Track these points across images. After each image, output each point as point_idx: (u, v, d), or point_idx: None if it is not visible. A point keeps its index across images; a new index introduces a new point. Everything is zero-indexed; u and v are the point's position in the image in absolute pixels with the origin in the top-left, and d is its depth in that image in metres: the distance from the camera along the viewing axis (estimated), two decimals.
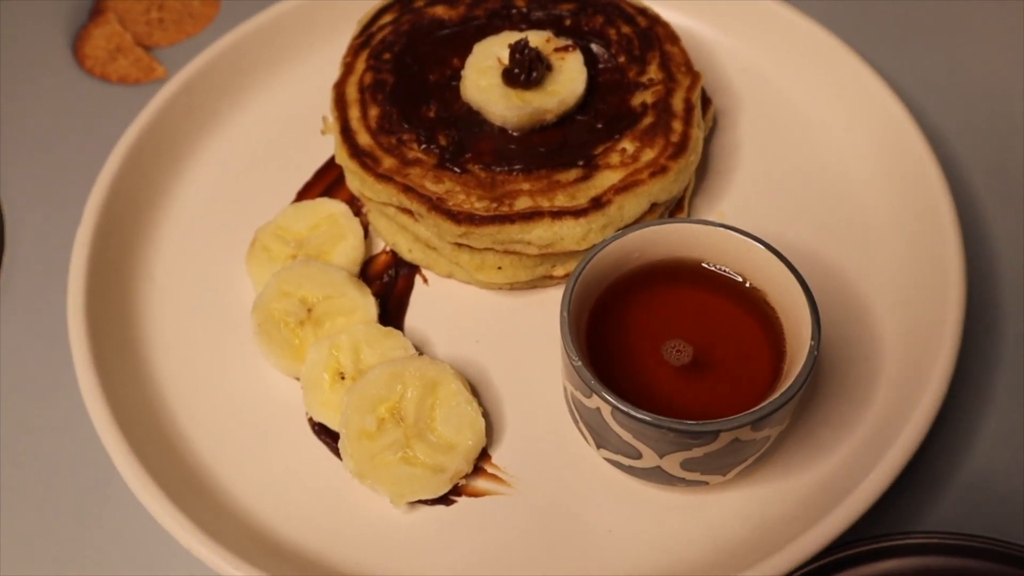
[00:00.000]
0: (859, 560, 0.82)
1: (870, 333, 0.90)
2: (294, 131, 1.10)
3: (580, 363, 0.76)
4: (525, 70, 0.95)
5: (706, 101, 1.04)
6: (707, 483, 0.81)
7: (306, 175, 1.07)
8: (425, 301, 0.97)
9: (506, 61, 0.98)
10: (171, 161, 1.05)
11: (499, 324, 0.95)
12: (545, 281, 0.96)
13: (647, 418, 0.73)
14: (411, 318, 0.96)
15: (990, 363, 0.92)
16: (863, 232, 0.98)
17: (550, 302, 0.96)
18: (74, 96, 1.19)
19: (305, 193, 1.05)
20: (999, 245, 0.99)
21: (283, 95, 1.13)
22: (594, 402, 0.77)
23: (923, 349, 0.86)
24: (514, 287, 0.96)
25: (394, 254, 1.00)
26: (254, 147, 1.09)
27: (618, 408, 0.74)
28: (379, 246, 1.01)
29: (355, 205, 1.02)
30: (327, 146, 1.08)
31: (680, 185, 0.95)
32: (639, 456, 0.78)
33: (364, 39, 1.05)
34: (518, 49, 0.96)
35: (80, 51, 1.23)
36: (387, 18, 1.07)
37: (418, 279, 0.99)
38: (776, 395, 0.74)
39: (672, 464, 0.78)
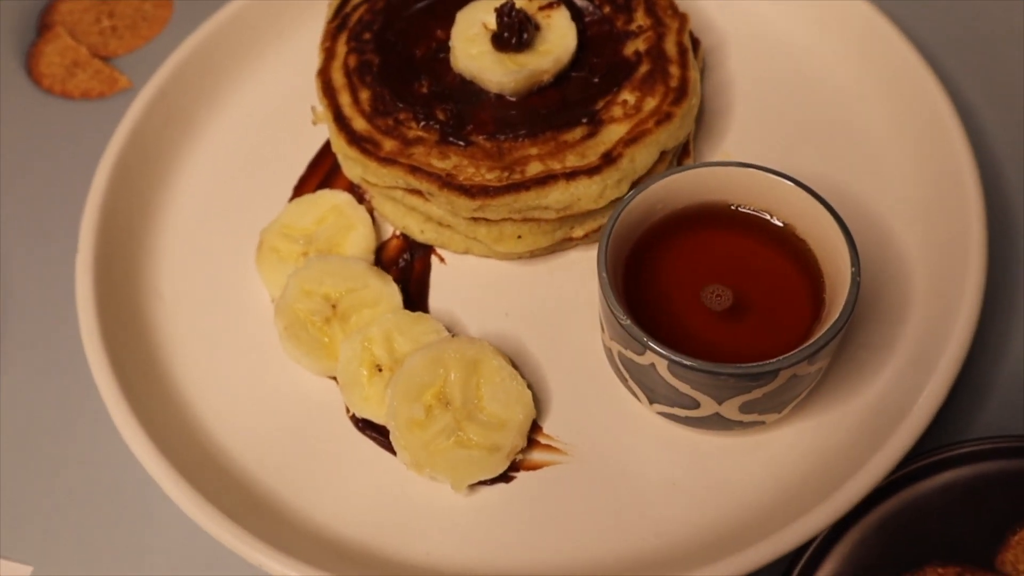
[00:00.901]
0: (916, 476, 0.83)
1: (894, 252, 0.91)
2: (278, 125, 1.07)
3: (628, 321, 0.75)
4: (515, 33, 0.93)
5: (694, 42, 1.02)
6: (764, 423, 0.81)
7: (299, 168, 1.04)
8: (446, 281, 0.95)
9: (492, 26, 0.96)
10: (158, 173, 1.02)
11: (525, 293, 0.93)
12: (564, 244, 0.95)
13: (707, 367, 0.73)
14: (435, 300, 0.94)
15: (1012, 264, 0.92)
16: (868, 152, 0.98)
17: (573, 264, 0.95)
18: (38, 118, 1.14)
19: (302, 187, 1.03)
20: (1003, 148, 0.99)
21: (260, 89, 1.10)
22: (647, 358, 0.76)
23: (950, 260, 0.86)
24: (534, 254, 0.94)
25: (405, 237, 0.98)
26: (240, 146, 1.06)
27: (675, 361, 0.74)
28: (388, 231, 0.99)
29: (356, 193, 0.99)
30: (316, 136, 1.05)
31: (686, 130, 0.94)
32: (697, 406, 0.78)
33: (339, 22, 1.02)
34: (505, 12, 0.94)
35: (35, 71, 1.18)
36: None
37: (434, 260, 0.97)
38: (828, 325, 0.74)
39: (731, 409, 0.78)
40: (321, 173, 1.03)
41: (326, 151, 1.04)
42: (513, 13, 0.93)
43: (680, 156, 0.98)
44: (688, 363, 0.73)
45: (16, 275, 1.00)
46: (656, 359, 0.75)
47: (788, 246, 0.83)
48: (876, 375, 0.84)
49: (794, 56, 1.06)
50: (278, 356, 0.90)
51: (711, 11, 1.10)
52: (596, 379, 0.87)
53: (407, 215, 0.96)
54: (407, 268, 0.96)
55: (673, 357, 0.73)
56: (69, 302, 0.92)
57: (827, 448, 0.81)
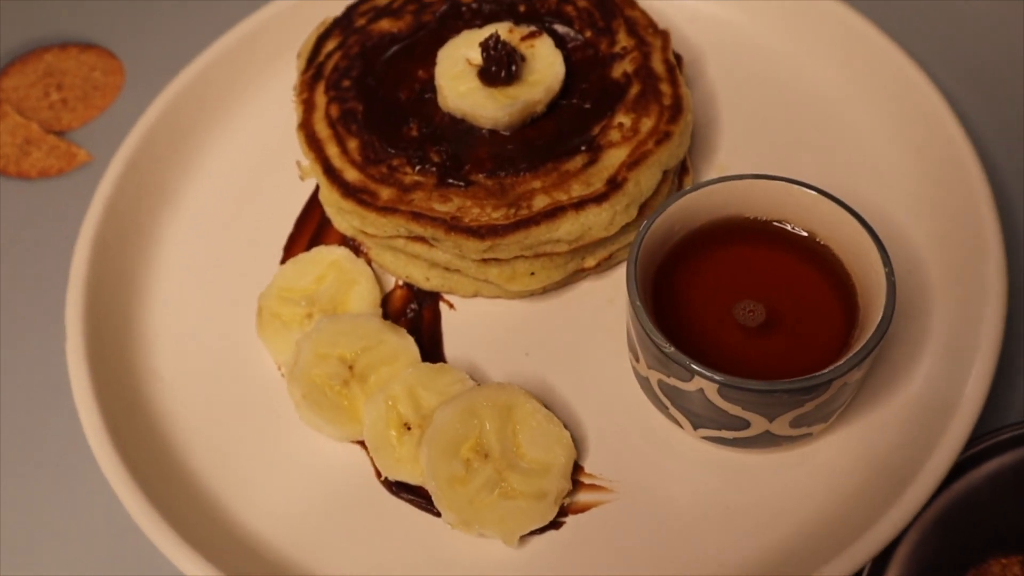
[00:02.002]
0: (964, 468, 0.81)
1: (903, 247, 0.90)
2: (257, 183, 1.03)
3: (672, 348, 0.73)
4: (504, 66, 0.91)
5: (677, 58, 1.01)
6: (812, 434, 0.80)
7: (286, 226, 1.00)
8: (458, 327, 0.92)
9: (476, 61, 0.93)
10: (139, 248, 0.97)
11: (543, 330, 0.91)
12: (576, 276, 0.92)
13: (762, 386, 0.71)
14: (450, 348, 0.90)
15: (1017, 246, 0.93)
16: (862, 150, 0.99)
17: (586, 295, 0.93)
18: None
19: (292, 246, 0.98)
20: (989, 131, 1.00)
21: (234, 148, 1.05)
22: (695, 384, 0.74)
23: (963, 248, 0.87)
24: (547, 289, 0.92)
25: (409, 287, 0.94)
26: (221, 210, 1.01)
27: (727, 384, 0.72)
28: (390, 282, 0.95)
29: (351, 246, 0.96)
30: (298, 192, 1.01)
31: (684, 147, 0.93)
32: (747, 426, 0.76)
33: (314, 71, 0.98)
34: (490, 46, 0.91)
35: None
36: (331, 44, 1.00)
37: (443, 307, 0.93)
38: (870, 328, 0.73)
39: (781, 425, 0.76)
40: (310, 229, 0.99)
41: (312, 206, 1.00)
42: (499, 46, 0.91)
43: (680, 173, 0.97)
44: (742, 385, 0.71)
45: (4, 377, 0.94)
46: (705, 384, 0.73)
47: (811, 254, 0.82)
48: (912, 371, 0.83)
49: (772, 62, 1.06)
50: (295, 426, 0.86)
51: (683, 25, 1.09)
52: (631, 409, 0.84)
53: (410, 263, 0.93)
54: (416, 319, 0.93)
55: (725, 380, 0.71)
56: (62, 396, 0.87)
57: (877, 451, 0.80)
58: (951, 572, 0.77)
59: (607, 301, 0.92)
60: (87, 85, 1.17)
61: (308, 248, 0.97)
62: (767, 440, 0.78)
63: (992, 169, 0.95)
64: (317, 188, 1.00)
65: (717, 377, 0.71)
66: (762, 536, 0.77)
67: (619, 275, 0.94)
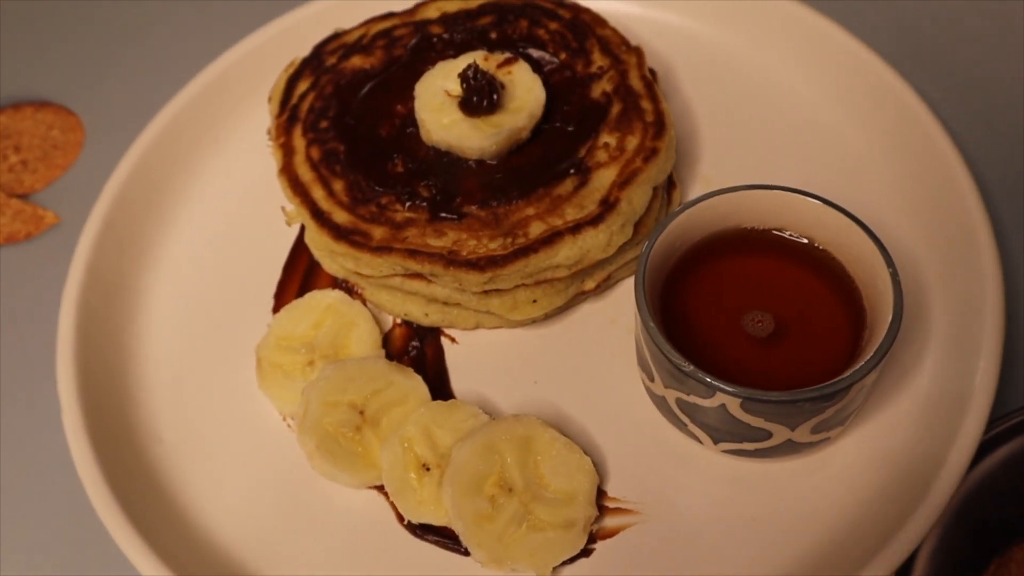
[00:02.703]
0: (976, 458, 0.83)
1: (895, 246, 0.90)
2: (238, 232, 1.01)
3: (691, 367, 0.73)
4: (485, 95, 0.90)
5: (651, 73, 1.02)
6: (830, 438, 0.80)
7: (274, 273, 0.98)
8: (462, 361, 0.91)
9: (456, 92, 0.93)
10: (125, 309, 0.94)
11: (548, 357, 0.90)
12: (577, 299, 0.92)
13: (786, 396, 0.71)
14: (457, 383, 0.89)
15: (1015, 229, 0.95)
16: (840, 151, 1.00)
17: (586, 318, 0.93)
18: None
19: (283, 293, 0.96)
20: (960, 125, 1.03)
21: (210, 198, 1.03)
22: (717, 400, 0.74)
23: (957, 242, 0.88)
24: (548, 316, 0.91)
25: (408, 324, 0.93)
26: (204, 263, 0.99)
27: (751, 398, 0.72)
28: (387, 321, 0.94)
29: (343, 287, 0.94)
30: (282, 237, 0.99)
31: (671, 162, 0.93)
32: (768, 436, 0.76)
33: (289, 114, 0.97)
34: (470, 76, 0.91)
35: None
36: (303, 86, 0.99)
37: (444, 342, 0.92)
38: (883, 329, 0.74)
39: (802, 433, 0.76)
40: (299, 274, 0.97)
41: (298, 250, 0.99)
42: (479, 76, 0.90)
43: (668, 188, 0.97)
44: (766, 397, 0.71)
45: None
46: (727, 399, 0.73)
47: (812, 260, 0.82)
48: (919, 368, 0.84)
49: (743, 70, 1.07)
50: (308, 477, 0.84)
51: (651, 40, 1.10)
52: (647, 429, 0.84)
53: (407, 301, 0.91)
54: (419, 356, 0.91)
55: (749, 394, 0.72)
56: (61, 466, 0.84)
57: (894, 450, 0.80)
58: (975, 563, 0.78)
59: (609, 322, 0.92)
60: (46, 144, 1.14)
61: (299, 293, 0.95)
62: (788, 448, 0.78)
63: (971, 160, 0.96)
64: (302, 232, 0.99)
65: (740, 392, 0.72)
66: (792, 544, 0.77)
67: (618, 295, 0.93)
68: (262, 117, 1.06)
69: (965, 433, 0.76)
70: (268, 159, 1.02)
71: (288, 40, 1.08)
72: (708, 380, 0.72)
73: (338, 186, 0.91)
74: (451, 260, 0.85)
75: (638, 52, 0.98)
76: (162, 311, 0.95)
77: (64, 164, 1.12)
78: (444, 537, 0.80)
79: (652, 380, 0.81)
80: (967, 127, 1.01)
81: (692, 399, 0.76)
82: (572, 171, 0.90)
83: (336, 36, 1.03)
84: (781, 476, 0.81)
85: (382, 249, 0.86)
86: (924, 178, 0.94)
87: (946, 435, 0.77)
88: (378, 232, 0.87)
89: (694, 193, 0.99)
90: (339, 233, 0.88)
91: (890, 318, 0.74)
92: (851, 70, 1.02)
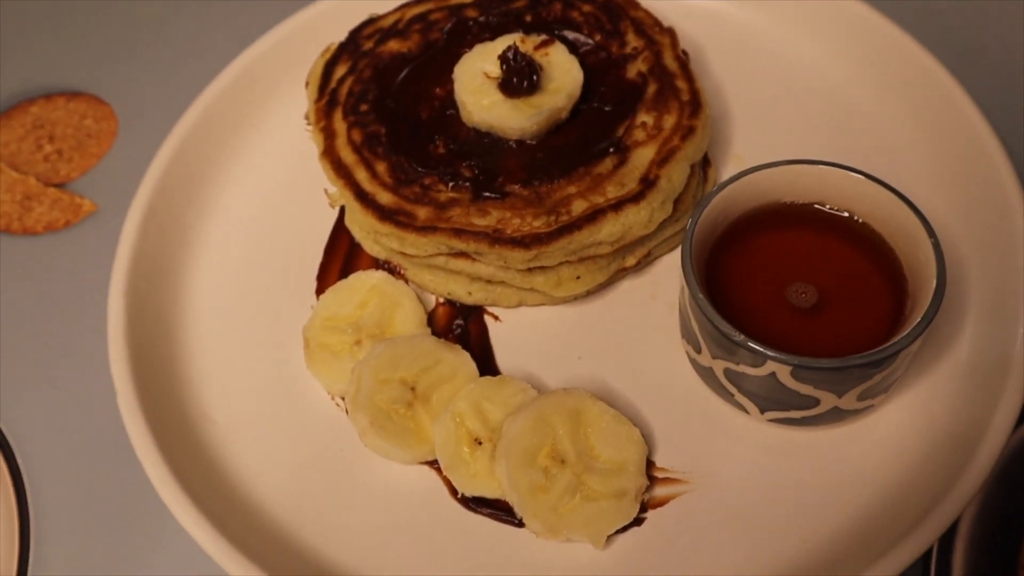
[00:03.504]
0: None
1: (931, 214, 0.92)
2: (278, 216, 1.02)
3: (742, 337, 0.75)
4: (525, 76, 0.92)
5: (683, 53, 1.03)
6: (874, 405, 0.82)
7: (315, 256, 0.99)
8: (507, 338, 0.92)
9: (494, 74, 0.94)
10: (171, 293, 0.95)
11: (591, 333, 0.91)
12: (617, 276, 0.93)
13: (836, 364, 0.73)
14: (502, 360, 0.91)
15: None
16: (870, 128, 1.01)
17: (627, 294, 0.94)
18: (5, 264, 1.04)
19: (325, 275, 0.97)
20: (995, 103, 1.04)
21: (249, 183, 1.04)
22: (767, 368, 0.76)
23: (991, 213, 0.90)
24: (590, 292, 0.92)
25: (451, 303, 0.94)
26: (246, 246, 1.00)
27: (802, 366, 0.74)
28: (430, 301, 0.95)
29: (385, 268, 0.95)
30: (321, 220, 1.01)
31: (707, 140, 0.95)
32: (816, 404, 0.78)
33: (328, 98, 0.98)
34: (510, 58, 0.92)
35: None
36: (341, 70, 1.00)
37: (488, 319, 0.94)
38: (927, 297, 0.76)
39: (849, 400, 0.78)
40: (340, 256, 0.99)
41: (338, 232, 1.00)
42: (518, 57, 0.92)
43: (704, 166, 0.99)
44: (817, 364, 0.73)
45: (52, 440, 0.91)
46: (777, 367, 0.75)
47: (853, 233, 0.84)
48: (958, 336, 0.86)
49: (771, 50, 1.09)
50: (361, 454, 0.85)
51: (679, 22, 1.11)
52: (692, 400, 0.86)
53: (450, 280, 0.93)
54: (464, 334, 0.93)
55: (800, 362, 0.73)
56: (116, 451, 0.85)
57: (936, 417, 0.82)
58: (1019, 525, 0.80)
59: (650, 297, 0.93)
60: (80, 134, 1.14)
61: (341, 275, 0.96)
62: (834, 416, 0.80)
63: (1000, 130, 0.98)
64: (342, 214, 1.00)
65: (792, 359, 0.73)
66: (840, 510, 0.79)
67: (657, 271, 0.95)
68: (297, 103, 1.07)
69: (1007, 397, 0.78)
70: (305, 144, 1.03)
71: (321, 27, 1.09)
72: (759, 348, 0.74)
73: (381, 168, 0.92)
74: (496, 238, 0.86)
75: (671, 33, 1.00)
76: (206, 296, 0.96)
77: (99, 153, 1.13)
78: (498, 509, 0.82)
79: (699, 352, 0.82)
80: (994, 96, 1.02)
81: (741, 368, 0.78)
82: (611, 150, 0.91)
83: (371, 21, 1.04)
84: (826, 443, 0.83)
85: (427, 229, 0.88)
86: (955, 149, 0.95)
87: (988, 400, 0.79)
88: (422, 212, 0.89)
89: (727, 172, 1.01)
90: (383, 214, 0.89)
91: (934, 285, 0.76)
92: (878, 46, 1.03)
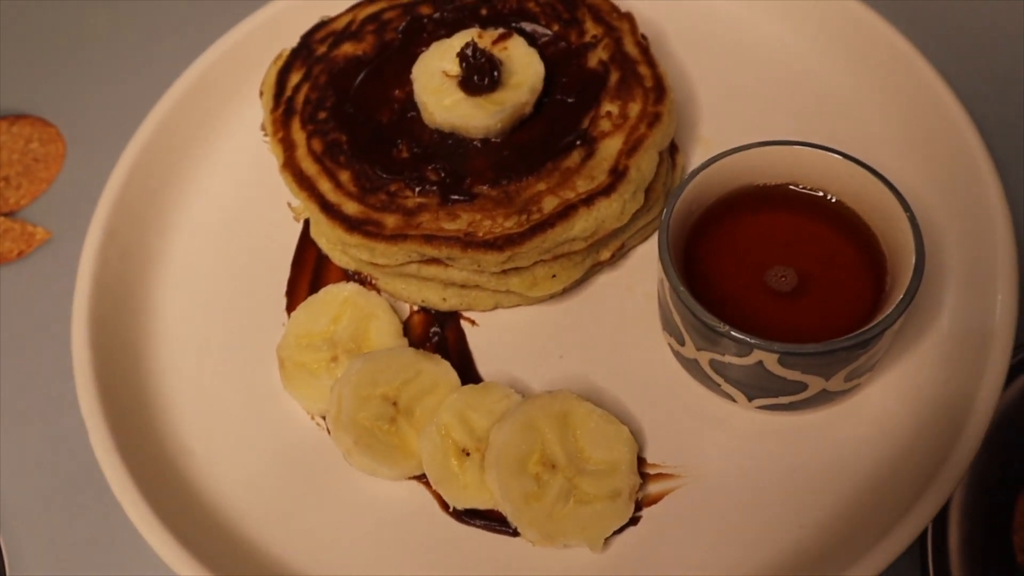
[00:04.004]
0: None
1: (902, 187, 0.92)
2: (240, 232, 0.99)
3: (727, 328, 0.74)
4: (486, 73, 0.90)
5: (643, 38, 1.02)
6: (860, 384, 0.82)
7: (282, 271, 0.96)
8: (485, 343, 0.90)
9: (454, 72, 0.92)
10: (137, 320, 0.92)
11: (570, 330, 0.90)
12: (593, 271, 0.92)
13: (822, 348, 0.72)
14: (483, 365, 0.89)
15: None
16: (836, 104, 1.00)
17: (603, 288, 0.93)
18: None
19: (295, 290, 0.95)
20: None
21: (209, 199, 1.01)
22: (754, 357, 0.75)
23: (962, 183, 0.89)
24: (566, 289, 0.91)
25: (426, 310, 0.92)
26: (210, 266, 0.97)
27: (788, 352, 0.73)
28: (404, 309, 0.93)
29: (355, 279, 0.93)
30: (286, 233, 0.98)
31: (674, 125, 0.93)
32: (804, 388, 0.77)
33: (284, 107, 0.95)
34: (469, 55, 0.90)
35: None
36: (295, 77, 0.97)
37: (464, 324, 0.92)
38: (907, 273, 0.75)
39: (837, 382, 0.78)
40: (308, 270, 0.96)
41: (304, 245, 0.97)
42: (478, 54, 0.89)
43: (672, 152, 0.97)
44: (803, 350, 0.72)
45: (22, 483, 0.88)
46: (764, 356, 0.74)
47: (826, 212, 0.83)
48: (939, 308, 0.85)
49: (732, 29, 1.07)
50: (346, 473, 0.83)
51: (636, 5, 1.09)
52: (678, 392, 0.85)
53: (424, 287, 0.91)
54: (441, 342, 0.91)
55: (787, 349, 0.72)
56: (95, 492, 0.82)
57: (922, 390, 0.82)
58: (1007, 488, 0.81)
59: (626, 289, 0.92)
60: (27, 158, 1.10)
61: (311, 289, 0.94)
62: (822, 398, 0.80)
63: (963, 96, 0.97)
64: (307, 227, 0.97)
65: (778, 347, 0.72)
66: (835, 491, 0.78)
67: (632, 262, 0.94)
68: (253, 112, 1.03)
69: (992, 366, 0.78)
70: (264, 155, 1.00)
71: (271, 32, 1.06)
72: (745, 338, 0.73)
73: (344, 177, 0.90)
74: (468, 242, 0.84)
75: (629, 18, 0.98)
76: (174, 321, 0.93)
77: (48, 177, 1.09)
78: (491, 520, 0.80)
79: (682, 344, 0.81)
80: (956, 64, 1.02)
81: (727, 359, 0.77)
82: (578, 143, 0.89)
83: (323, 24, 1.01)
84: (816, 426, 0.82)
85: (397, 237, 0.86)
86: (920, 119, 0.95)
87: (973, 369, 0.79)
88: (391, 220, 0.87)
89: (695, 156, 1.00)
90: (351, 224, 0.87)
91: (913, 260, 0.75)
92: (835, 17, 1.02)
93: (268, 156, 0.98)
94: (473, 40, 0.90)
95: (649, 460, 0.82)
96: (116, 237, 0.94)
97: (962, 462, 0.74)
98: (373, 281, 0.93)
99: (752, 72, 1.04)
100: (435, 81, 0.91)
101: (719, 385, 0.81)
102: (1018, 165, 0.96)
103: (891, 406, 0.82)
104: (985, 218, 0.86)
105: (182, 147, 1.02)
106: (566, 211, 0.85)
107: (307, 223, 0.97)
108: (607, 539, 0.78)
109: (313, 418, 0.87)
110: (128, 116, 1.03)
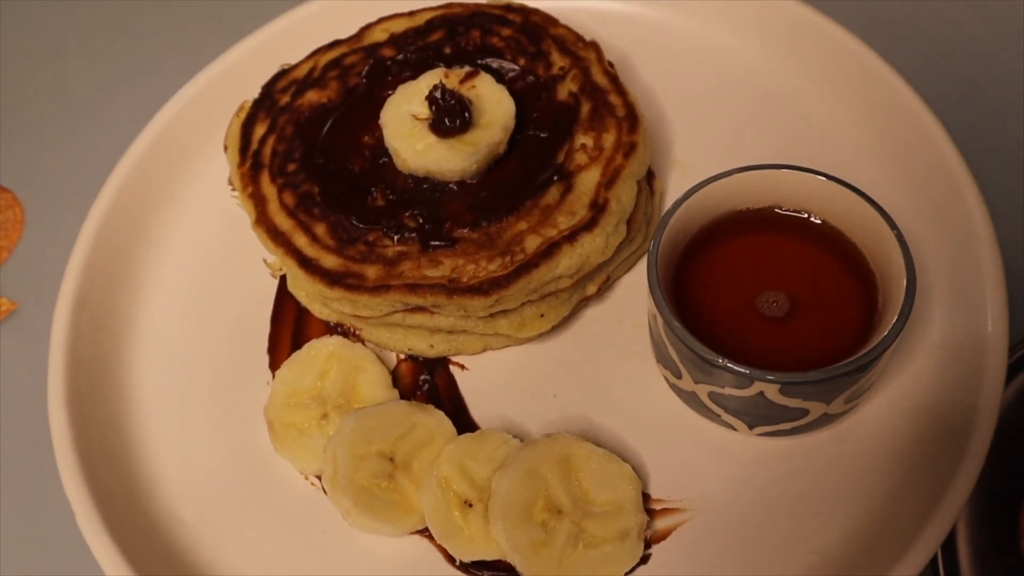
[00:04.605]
0: None
1: (880, 200, 0.93)
2: (214, 291, 0.96)
3: (725, 361, 0.73)
4: (457, 114, 0.88)
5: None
6: (858, 403, 0.81)
7: (261, 328, 0.93)
8: (477, 388, 0.89)
9: (423, 115, 0.90)
10: (116, 393, 0.89)
11: (562, 368, 0.89)
12: (580, 306, 0.91)
13: (824, 375, 0.72)
14: (477, 411, 0.87)
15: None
16: (807, 121, 1.00)
17: (591, 322, 0.92)
18: None
19: (276, 347, 0.92)
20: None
21: (176, 263, 0.98)
22: (754, 389, 0.74)
23: (939, 192, 0.90)
24: (554, 327, 0.90)
25: (413, 359, 0.91)
26: (186, 332, 0.94)
27: (790, 382, 0.72)
28: (390, 359, 0.91)
29: (338, 331, 0.91)
30: (261, 288, 0.95)
31: (650, 153, 0.93)
32: (805, 414, 0.77)
33: (252, 161, 0.93)
34: (438, 98, 0.88)
35: None
36: (260, 130, 0.95)
37: (454, 370, 0.90)
38: (900, 293, 0.75)
39: (837, 405, 0.77)
40: (289, 325, 0.94)
41: (282, 300, 0.95)
42: (447, 96, 0.88)
43: (649, 179, 0.96)
44: (804, 379, 0.72)
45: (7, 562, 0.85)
46: (765, 387, 0.73)
47: (812, 233, 0.83)
48: (927, 316, 0.85)
49: (696, 50, 1.07)
50: (345, 533, 0.81)
51: (597, 30, 1.08)
52: (677, 424, 0.84)
53: (409, 336, 0.89)
54: (432, 390, 0.89)
55: (788, 379, 0.72)
56: (84, 568, 0.79)
57: (920, 403, 0.82)
58: (1014, 486, 0.81)
59: (616, 323, 0.91)
60: None
61: (293, 345, 0.92)
62: (823, 421, 0.79)
63: (935, 107, 0.98)
64: (283, 280, 0.95)
65: (779, 378, 0.72)
66: (844, 513, 0.78)
67: (618, 295, 0.93)
68: (217, 167, 1.01)
69: (989, 372, 0.78)
70: (232, 210, 0.98)
71: (229, 83, 1.04)
72: (745, 371, 0.72)
73: (320, 230, 0.88)
74: (453, 288, 0.83)
75: (595, 47, 0.97)
76: (155, 387, 0.90)
77: (8, 245, 1.05)
78: (499, 570, 0.79)
79: (679, 377, 0.80)
80: (925, 74, 1.03)
81: (726, 391, 0.76)
82: (555, 178, 0.88)
83: (284, 72, 0.99)
84: (819, 448, 0.81)
85: (380, 288, 0.84)
86: (893, 131, 0.95)
87: (970, 380, 0.79)
88: (372, 271, 0.85)
89: (671, 180, 0.99)
90: (332, 278, 0.85)
91: (905, 279, 0.75)
92: (802, 34, 1.02)
93: (237, 211, 0.96)
94: (441, 82, 0.89)
95: (654, 495, 0.81)
96: (86, 306, 0.91)
97: (972, 471, 0.74)
98: (357, 332, 0.91)
99: (721, 91, 1.04)
100: (405, 126, 0.90)
101: (719, 416, 0.81)
102: (993, 169, 0.96)
103: (892, 422, 0.81)
104: (966, 225, 0.86)
105: (147, 207, 0.99)
106: (550, 249, 0.84)
107: (283, 277, 0.95)
108: None
109: (307, 478, 0.85)
110: (88, 179, 1.00)
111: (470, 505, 0.79)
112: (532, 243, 0.85)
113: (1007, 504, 0.81)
